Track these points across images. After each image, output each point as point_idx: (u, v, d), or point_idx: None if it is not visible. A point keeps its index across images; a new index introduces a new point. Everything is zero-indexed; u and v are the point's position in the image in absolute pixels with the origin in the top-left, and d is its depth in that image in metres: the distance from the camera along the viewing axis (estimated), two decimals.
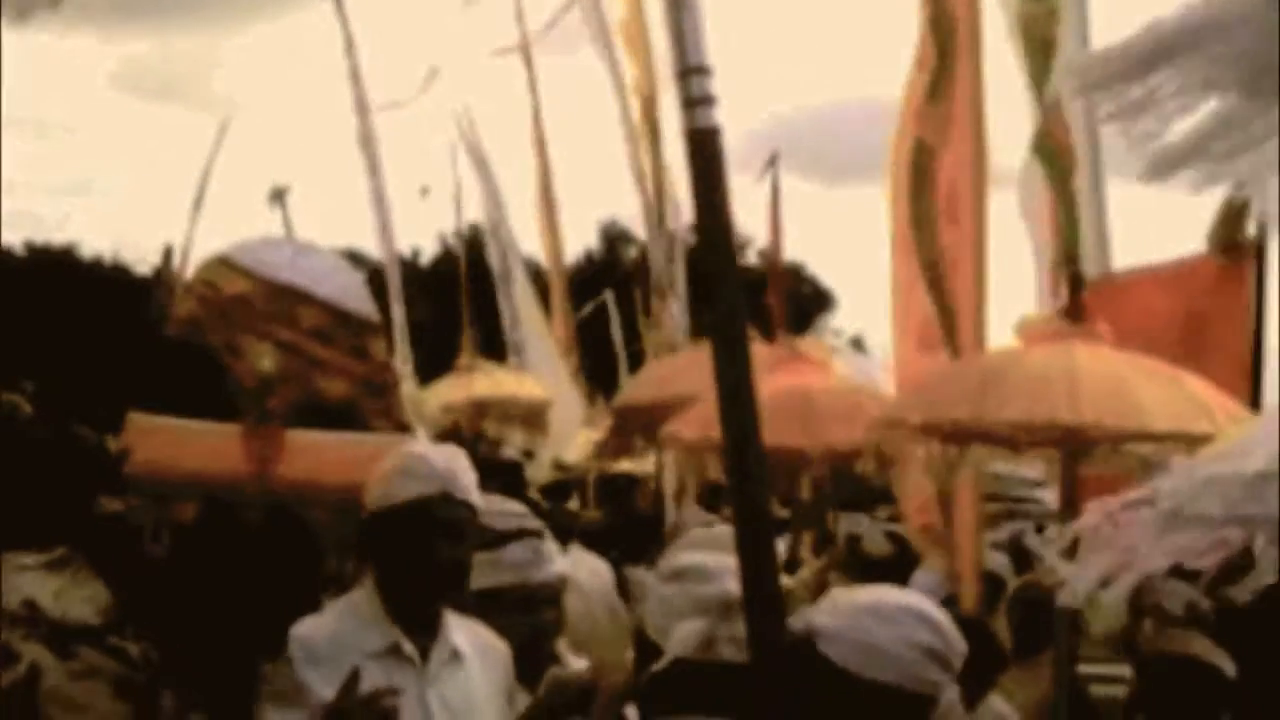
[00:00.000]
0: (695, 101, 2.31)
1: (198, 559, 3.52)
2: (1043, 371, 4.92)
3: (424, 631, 3.28)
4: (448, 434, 8.80)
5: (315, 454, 4.09)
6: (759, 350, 7.52)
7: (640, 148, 10.60)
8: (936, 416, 5.10)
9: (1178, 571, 6.07)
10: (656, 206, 10.38)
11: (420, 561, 3.26)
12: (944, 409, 5.07)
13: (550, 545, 3.76)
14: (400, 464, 3.36)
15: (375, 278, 9.42)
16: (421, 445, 3.65)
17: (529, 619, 3.63)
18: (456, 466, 3.35)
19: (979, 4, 5.94)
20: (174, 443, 3.92)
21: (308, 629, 3.19)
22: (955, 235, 5.97)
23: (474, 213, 15.44)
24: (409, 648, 3.25)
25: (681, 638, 2.71)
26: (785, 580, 7.39)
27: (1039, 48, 6.34)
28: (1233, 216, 5.81)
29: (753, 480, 2.32)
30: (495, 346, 13.50)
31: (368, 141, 11.79)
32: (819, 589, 6.93)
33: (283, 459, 4.07)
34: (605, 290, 17.84)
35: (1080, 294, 5.42)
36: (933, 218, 6.05)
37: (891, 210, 6.37)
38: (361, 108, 12.05)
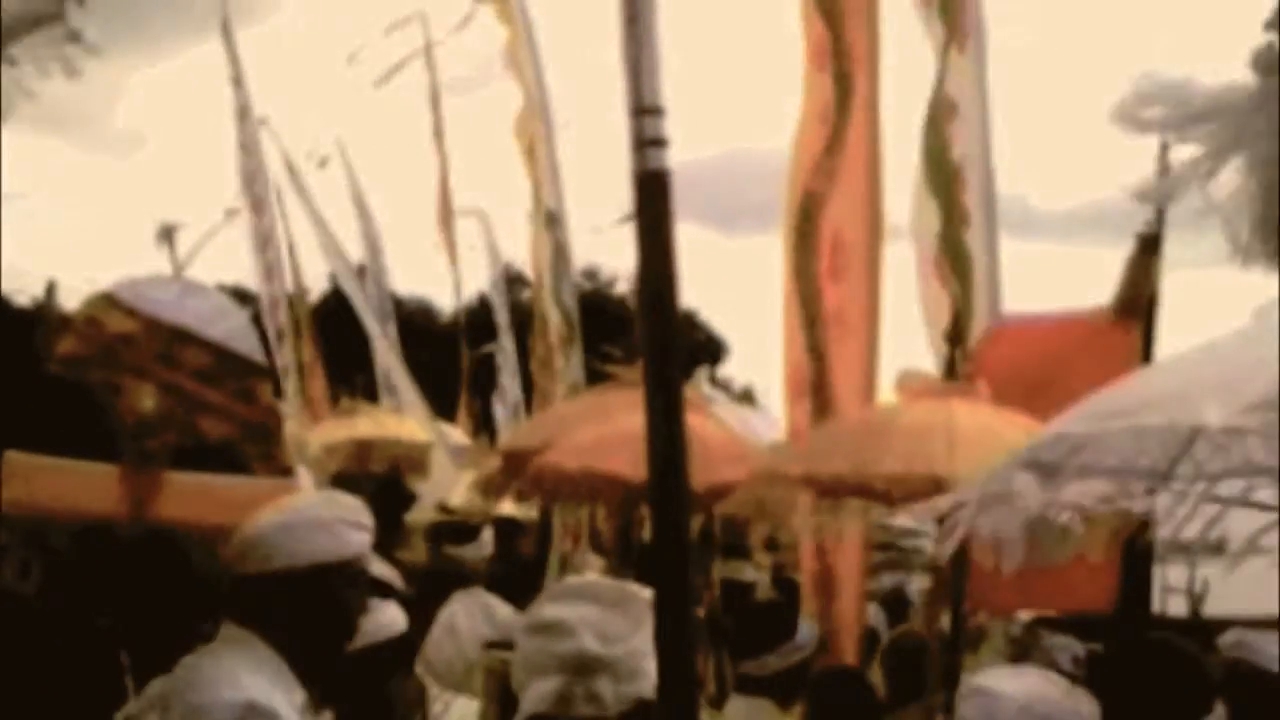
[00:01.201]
0: (647, 143, 2.26)
1: (71, 588, 3.44)
2: (921, 427, 5.03)
3: (320, 688, 3.25)
4: (343, 477, 8.71)
5: (194, 496, 4.03)
6: (626, 396, 7.59)
7: (532, 188, 10.62)
8: (815, 469, 5.19)
9: (1061, 626, 6.21)
10: (550, 251, 10.40)
11: (336, 620, 3.22)
12: (823, 462, 5.16)
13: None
14: (319, 516, 3.29)
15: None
16: (330, 498, 3.57)
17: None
18: (368, 522, 3.34)
19: (877, 61, 6.07)
20: (50, 482, 3.84)
21: (259, 693, 3.05)
22: (839, 291, 6.08)
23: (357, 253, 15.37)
24: (309, 706, 3.21)
25: (538, 695, 2.71)
26: None
27: (935, 104, 6.47)
28: (1138, 275, 5.97)
29: (676, 528, 2.33)
30: (366, 390, 13.44)
31: (251, 181, 11.65)
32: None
33: (161, 500, 4.01)
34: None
35: (958, 351, 5.55)
36: (814, 272, 6.15)
37: (784, 261, 6.48)
38: (249, 147, 11.89)
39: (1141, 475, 3.57)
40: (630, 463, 6.29)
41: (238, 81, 12.13)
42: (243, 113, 12.19)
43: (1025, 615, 6.79)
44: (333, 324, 15.01)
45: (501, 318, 15.21)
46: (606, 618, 2.74)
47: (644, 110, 2.27)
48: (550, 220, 10.34)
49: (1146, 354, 5.91)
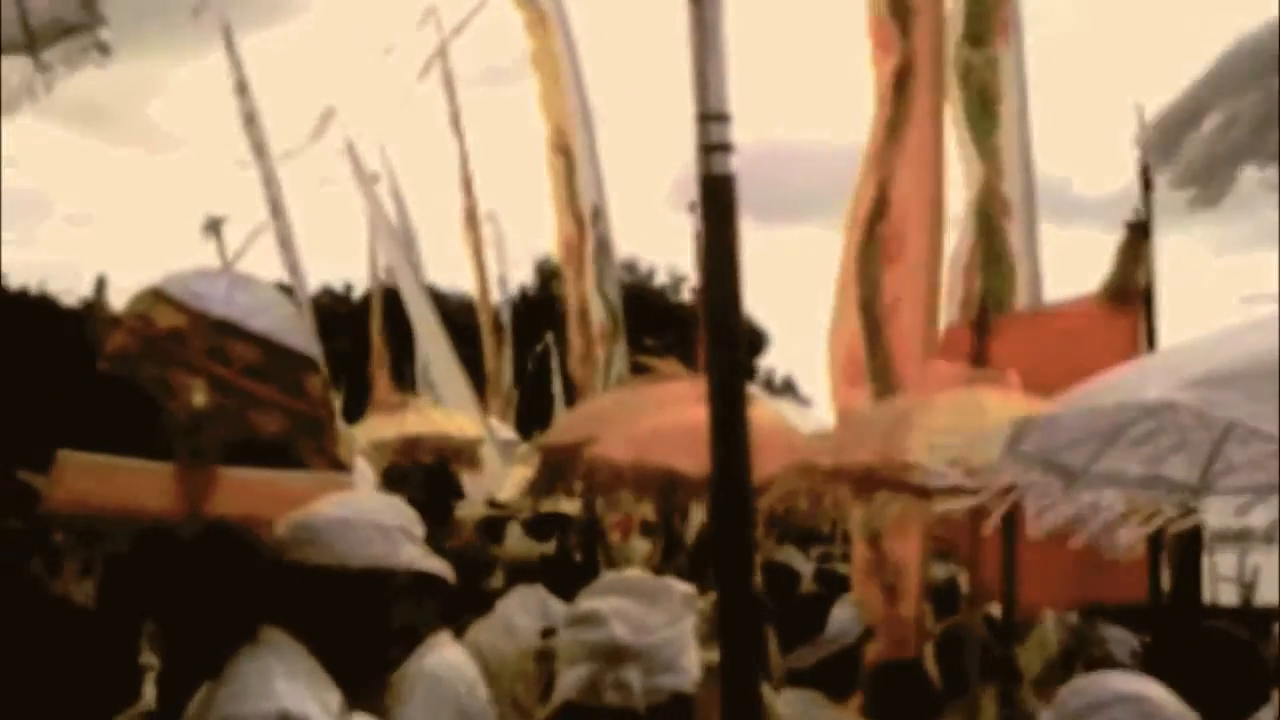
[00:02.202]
0: (713, 148, 2.33)
1: (129, 588, 3.43)
2: (952, 411, 4.98)
3: (356, 696, 3.21)
4: (393, 470, 8.73)
5: (249, 491, 4.04)
6: (689, 384, 7.59)
7: (560, 185, 10.60)
8: (845, 461, 5.15)
9: (1113, 616, 6.15)
10: (578, 245, 10.38)
11: (377, 627, 3.18)
12: (851, 453, 5.12)
13: None
14: (381, 520, 3.27)
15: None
16: (393, 504, 3.55)
17: None
18: (421, 535, 3.32)
19: (941, 42, 6.02)
20: (104, 480, 3.85)
21: (293, 701, 2.96)
22: (897, 274, 6.02)
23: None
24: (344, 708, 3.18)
25: (567, 682, 2.71)
26: (701, 603, 7.45)
27: (979, 96, 6.44)
28: (1128, 262, 5.93)
29: (740, 520, 2.37)
30: (409, 382, 13.49)
31: (269, 183, 11.64)
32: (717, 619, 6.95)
33: (215, 496, 4.01)
34: (540, 326, 17.83)
35: (985, 339, 5.51)
36: (876, 256, 6.11)
37: (845, 245, 6.42)
38: (260, 151, 11.86)
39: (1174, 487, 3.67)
40: (681, 455, 6.28)
41: (242, 88, 12.13)
42: (249, 119, 12.19)
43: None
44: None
45: (505, 316, 15.21)
46: (639, 609, 2.77)
47: (710, 116, 2.34)
48: (595, 214, 10.33)
49: (1151, 341, 5.87)
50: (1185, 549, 5.57)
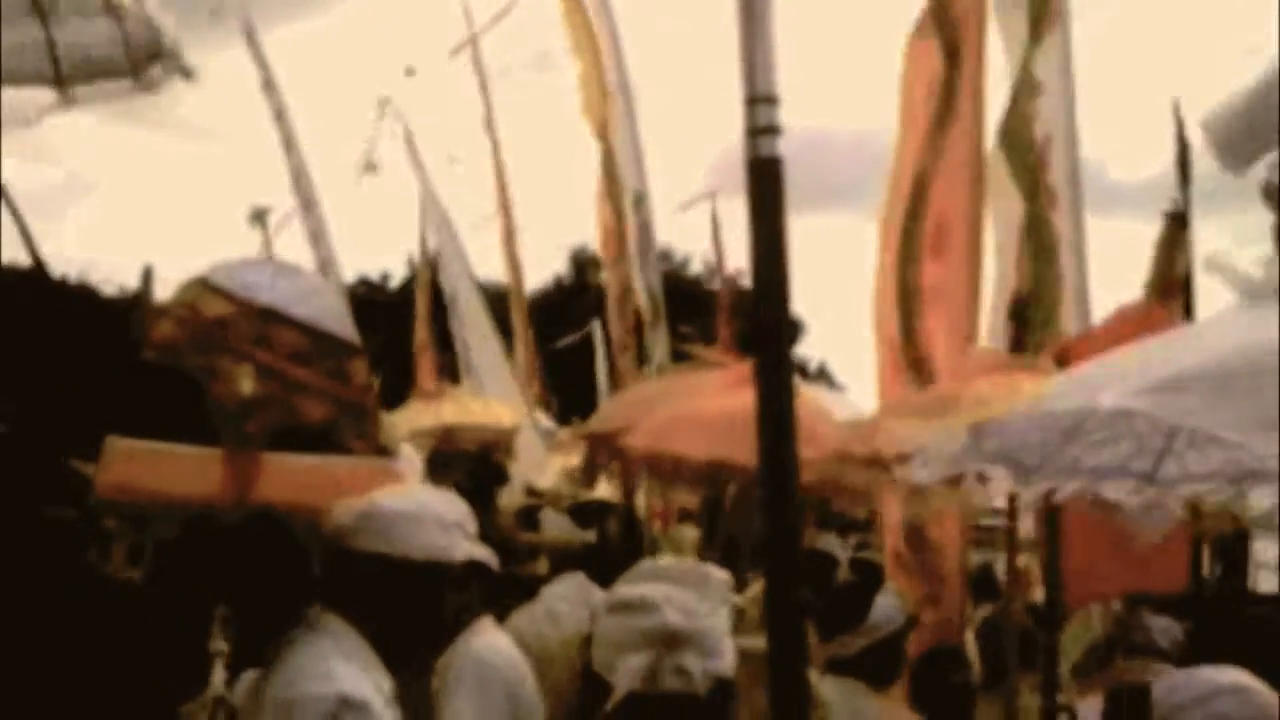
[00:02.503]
0: (760, 130, 2.33)
1: (178, 573, 3.47)
2: (988, 399, 4.97)
3: (404, 681, 3.25)
4: (437, 457, 8.77)
5: (294, 477, 4.05)
6: (719, 370, 7.58)
7: (601, 170, 10.61)
8: (880, 448, 5.16)
9: (1161, 606, 6.15)
10: (617, 232, 10.40)
11: (433, 619, 3.21)
12: (888, 440, 5.12)
13: None
14: (442, 515, 3.30)
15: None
16: (451, 499, 3.58)
17: None
18: (474, 531, 3.35)
19: (984, 32, 6.00)
20: (152, 466, 3.87)
21: (350, 684, 3.03)
22: (939, 268, 6.02)
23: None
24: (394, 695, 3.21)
25: (627, 671, 2.69)
26: (734, 598, 7.45)
27: (1021, 85, 6.40)
28: (1166, 254, 5.92)
29: (787, 508, 2.38)
30: (452, 372, 13.53)
31: (300, 178, 11.70)
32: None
33: (262, 482, 4.03)
34: (574, 315, 17.86)
35: (1024, 326, 5.51)
36: (917, 249, 6.10)
37: (881, 236, 6.42)
38: (289, 145, 11.93)
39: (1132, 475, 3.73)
40: (724, 445, 6.30)
41: (269, 85, 12.17)
42: (279, 114, 12.24)
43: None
44: (412, 309, 15.08)
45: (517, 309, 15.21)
46: (686, 595, 2.78)
47: (758, 99, 2.33)
48: (637, 201, 10.34)
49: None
50: (1233, 537, 5.54)
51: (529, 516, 8.33)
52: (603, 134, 10.54)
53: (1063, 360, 5.41)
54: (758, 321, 2.39)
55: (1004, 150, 6.58)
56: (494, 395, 11.44)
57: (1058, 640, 5.50)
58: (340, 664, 3.04)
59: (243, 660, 3.22)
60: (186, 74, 3.26)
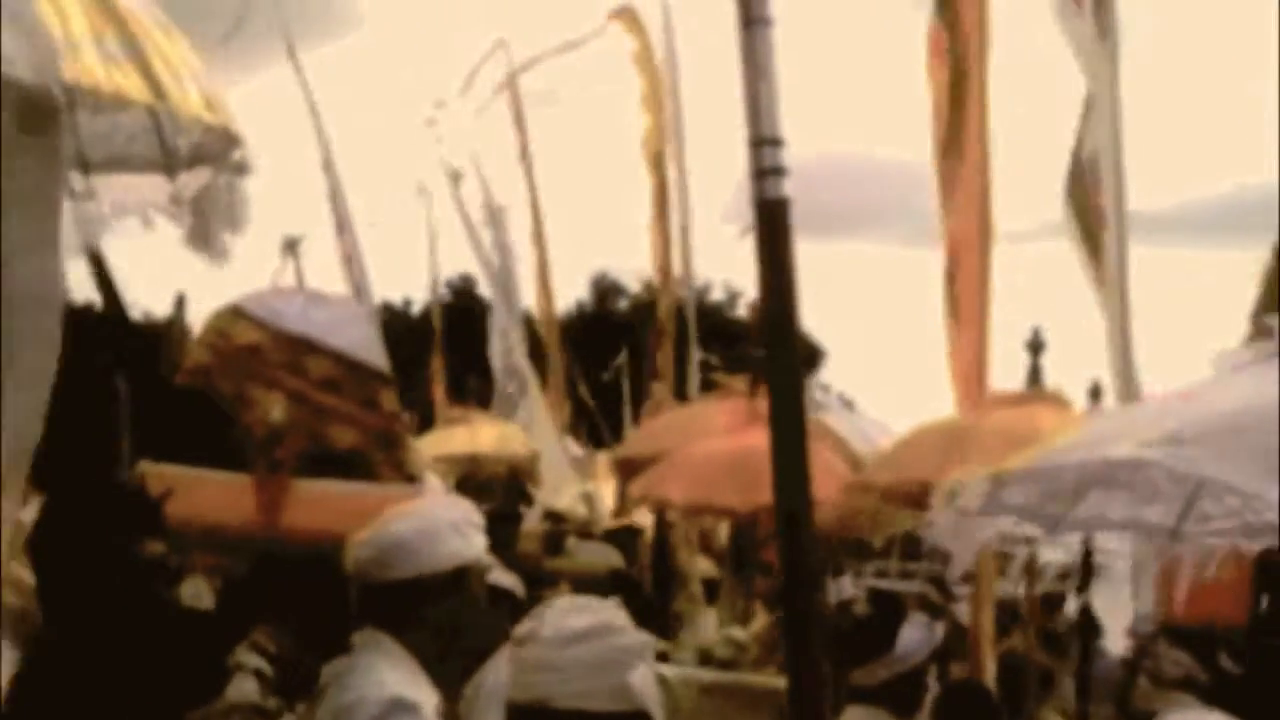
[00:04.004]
0: (766, 172, 2.34)
1: (243, 604, 3.54)
2: (1004, 434, 5.00)
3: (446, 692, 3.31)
4: (467, 483, 8.82)
5: (324, 504, 4.11)
6: (732, 406, 7.65)
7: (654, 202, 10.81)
8: (900, 479, 5.18)
9: (1178, 639, 6.13)
10: (663, 261, 10.54)
11: (472, 617, 3.27)
12: (908, 470, 5.15)
13: None
14: (453, 520, 3.35)
15: None
16: (452, 502, 3.64)
17: None
18: (482, 522, 3.41)
19: (987, 56, 5.99)
20: (185, 492, 3.92)
21: (402, 689, 3.12)
22: (953, 294, 6.04)
23: (460, 264, 15.47)
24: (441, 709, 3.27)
25: (631, 690, 2.56)
26: (738, 634, 7.47)
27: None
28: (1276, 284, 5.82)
29: (803, 541, 2.37)
30: (464, 396, 13.60)
31: (336, 198, 11.81)
32: (771, 643, 6.99)
33: (292, 508, 4.08)
34: (596, 341, 17.92)
35: (1039, 358, 5.54)
36: (944, 276, 6.12)
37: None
38: (328, 167, 12.02)
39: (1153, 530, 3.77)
40: (731, 492, 6.38)
41: (311, 108, 12.26)
42: (319, 133, 12.33)
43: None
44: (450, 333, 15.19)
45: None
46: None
47: (764, 141, 2.35)
48: (682, 234, 10.56)
49: None
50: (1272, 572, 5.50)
51: (554, 542, 8.37)
52: (658, 170, 10.86)
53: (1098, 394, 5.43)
54: (769, 357, 2.38)
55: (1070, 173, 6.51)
56: (526, 422, 11.54)
57: (1090, 670, 5.50)
58: (391, 674, 3.15)
59: (295, 680, 3.30)
60: (243, 170, 3.35)
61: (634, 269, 42.82)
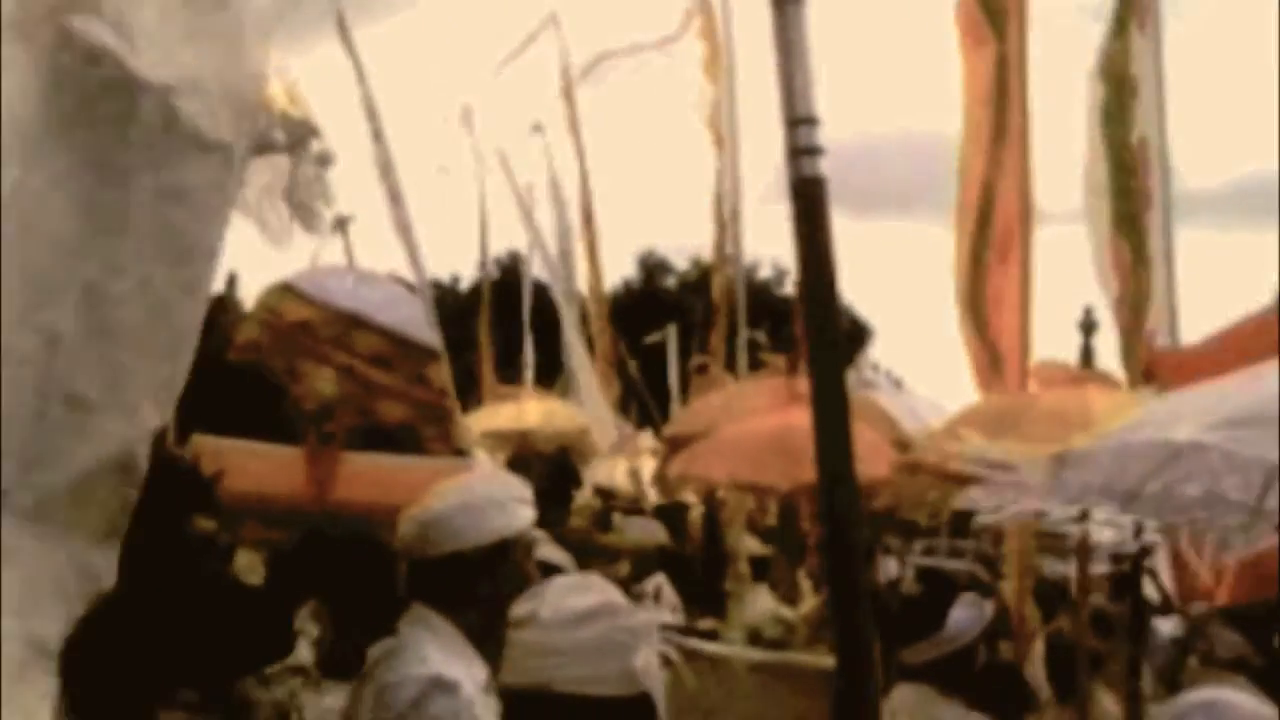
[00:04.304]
0: (802, 151, 2.34)
1: (291, 580, 3.58)
2: (1057, 414, 4.98)
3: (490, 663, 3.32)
4: (517, 460, 8.88)
5: (373, 476, 4.15)
6: (773, 385, 7.65)
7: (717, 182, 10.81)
8: (950, 458, 5.16)
9: (1232, 621, 6.07)
10: (720, 238, 10.56)
11: (520, 591, 3.28)
12: (956, 459, 5.12)
13: None
14: (494, 494, 3.38)
15: None
16: (496, 476, 3.67)
17: None
18: (530, 496, 3.42)
19: (1026, 39, 5.97)
20: (237, 465, 3.97)
21: (444, 668, 3.13)
22: (1002, 274, 6.01)
23: (509, 240, 15.46)
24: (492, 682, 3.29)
25: (649, 670, 2.50)
26: (787, 613, 7.48)
27: (1117, 86, 6.34)
28: None
29: (848, 519, 2.36)
30: (512, 375, 13.65)
31: (387, 171, 11.84)
32: (820, 622, 7.00)
33: (342, 482, 4.13)
34: (643, 318, 17.93)
35: (1091, 338, 5.49)
36: (986, 256, 6.09)
37: (957, 243, 6.39)
38: (378, 137, 12.04)
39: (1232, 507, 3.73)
40: (779, 468, 6.38)
41: (360, 76, 12.28)
42: (368, 105, 12.36)
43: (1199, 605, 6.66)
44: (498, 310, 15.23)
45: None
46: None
47: (799, 120, 2.33)
48: (732, 212, 10.58)
49: None
50: None
51: (603, 519, 8.40)
52: (720, 147, 10.91)
53: (1150, 375, 5.36)
54: (810, 338, 2.38)
55: (1107, 152, 6.49)
56: (588, 399, 11.59)
57: (1141, 651, 5.46)
58: (435, 651, 3.17)
59: (343, 657, 3.33)
60: (326, 161, 3.42)
61: (681, 247, 42.71)
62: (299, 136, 3.34)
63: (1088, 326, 6.01)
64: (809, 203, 2.34)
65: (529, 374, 14.17)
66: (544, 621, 2.48)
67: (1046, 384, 5.50)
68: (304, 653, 3.63)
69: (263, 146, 3.32)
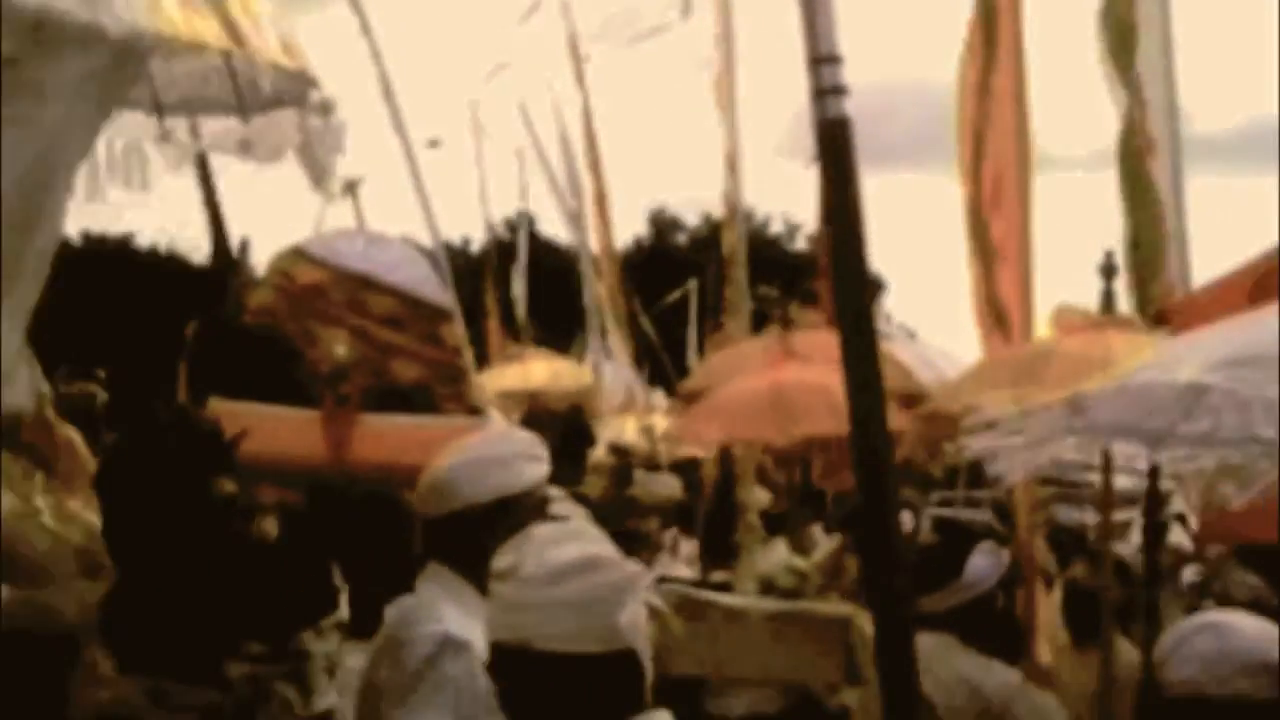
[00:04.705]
0: (826, 91, 2.29)
1: (311, 540, 3.61)
2: (1078, 360, 4.96)
3: None
4: (530, 418, 8.89)
5: (390, 437, 4.17)
6: (763, 343, 7.66)
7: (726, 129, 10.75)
8: (973, 406, 5.15)
9: (1247, 561, 6.07)
10: (732, 195, 10.52)
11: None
12: (979, 398, 5.11)
13: None
14: (498, 452, 3.38)
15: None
16: (505, 434, 3.67)
17: None
18: (543, 454, 3.43)
19: None
20: (254, 427, 3.98)
21: (455, 626, 3.16)
22: (1000, 224, 5.98)
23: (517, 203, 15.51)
24: None
25: (637, 626, 2.42)
26: (800, 562, 7.50)
27: (1120, 28, 6.28)
28: None
29: (879, 466, 2.34)
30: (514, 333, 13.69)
31: (400, 130, 11.81)
32: (833, 570, 7.02)
33: (358, 442, 4.14)
34: (655, 276, 17.94)
35: (1112, 282, 5.47)
36: (979, 206, 6.06)
37: (962, 195, 6.37)
38: (387, 90, 12.00)
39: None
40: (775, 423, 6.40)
41: (366, 29, 12.20)
42: (376, 58, 12.30)
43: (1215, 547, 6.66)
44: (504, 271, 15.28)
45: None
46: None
47: (821, 59, 2.30)
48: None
49: None
50: None
51: (622, 474, 8.43)
52: (725, 106, 10.87)
53: (1162, 319, 5.33)
54: (837, 281, 2.35)
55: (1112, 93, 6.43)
56: (610, 357, 11.60)
57: (1157, 596, 5.46)
58: (450, 609, 3.20)
59: (366, 602, 3.37)
60: (328, 109, 3.40)
61: (690, 202, 42.50)
62: (297, 89, 3.31)
63: (1108, 270, 5.95)
64: (835, 144, 2.30)
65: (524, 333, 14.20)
66: (523, 577, 2.42)
67: (1066, 330, 5.47)
68: (345, 609, 3.68)
69: (264, 103, 3.31)
